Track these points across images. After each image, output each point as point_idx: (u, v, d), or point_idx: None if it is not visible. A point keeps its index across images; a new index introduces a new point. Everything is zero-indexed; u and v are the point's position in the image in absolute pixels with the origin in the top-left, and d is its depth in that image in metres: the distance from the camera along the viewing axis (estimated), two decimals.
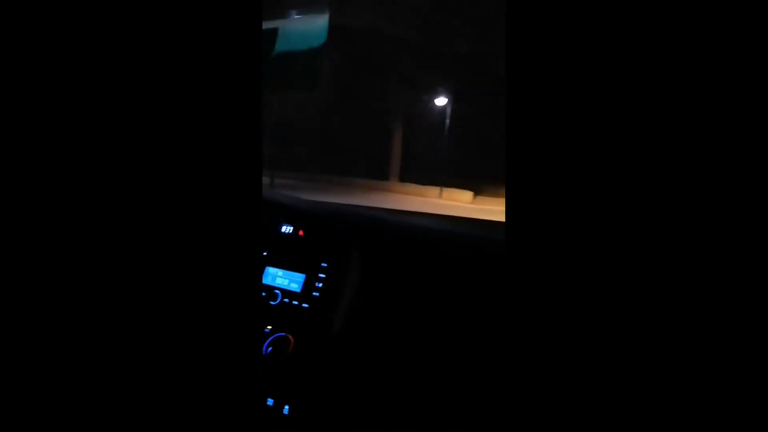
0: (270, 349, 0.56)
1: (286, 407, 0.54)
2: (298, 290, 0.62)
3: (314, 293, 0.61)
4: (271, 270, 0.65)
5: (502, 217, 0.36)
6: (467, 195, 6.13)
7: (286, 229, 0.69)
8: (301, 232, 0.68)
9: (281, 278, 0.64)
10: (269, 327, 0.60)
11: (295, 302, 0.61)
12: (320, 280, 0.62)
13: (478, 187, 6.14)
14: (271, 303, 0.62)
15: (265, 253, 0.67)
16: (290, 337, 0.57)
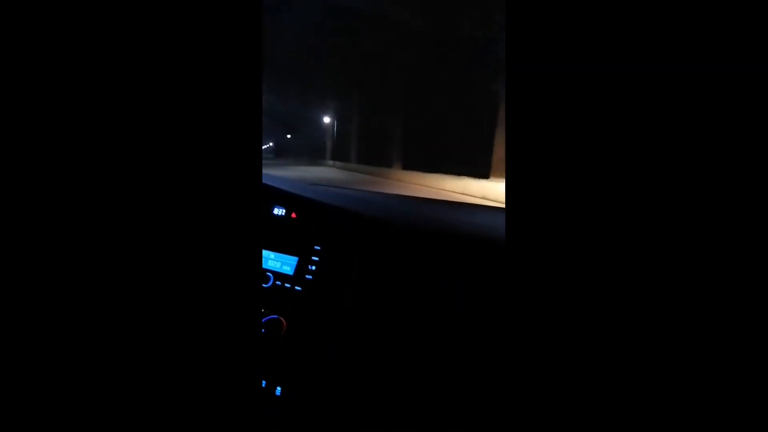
0: (262, 331, 0.56)
1: (278, 389, 0.54)
2: (291, 273, 0.61)
3: (307, 276, 0.60)
4: (263, 252, 0.65)
5: None
6: None
7: (279, 211, 0.68)
8: (293, 215, 0.67)
9: (273, 261, 0.63)
10: (261, 309, 0.59)
11: (288, 285, 0.60)
12: (313, 263, 0.61)
13: None
14: (264, 285, 0.61)
15: None
16: (282, 319, 0.57)
